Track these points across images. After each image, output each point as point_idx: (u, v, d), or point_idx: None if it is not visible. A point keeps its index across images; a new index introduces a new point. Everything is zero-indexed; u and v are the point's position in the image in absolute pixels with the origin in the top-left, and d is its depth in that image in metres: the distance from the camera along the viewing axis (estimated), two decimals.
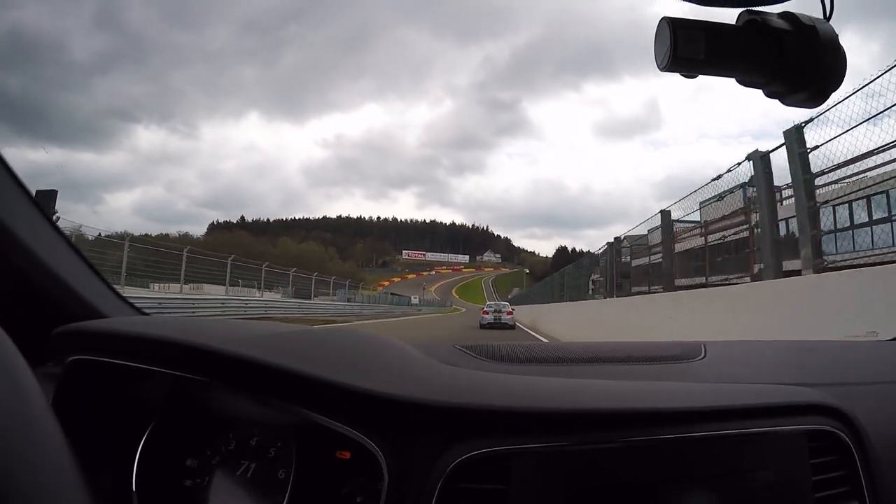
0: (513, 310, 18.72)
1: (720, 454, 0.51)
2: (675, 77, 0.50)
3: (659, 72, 0.50)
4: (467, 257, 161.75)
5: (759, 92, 0.54)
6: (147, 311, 0.93)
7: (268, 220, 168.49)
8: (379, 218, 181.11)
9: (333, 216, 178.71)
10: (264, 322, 0.80)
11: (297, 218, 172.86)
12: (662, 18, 0.47)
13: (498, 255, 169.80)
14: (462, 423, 0.50)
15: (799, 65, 0.49)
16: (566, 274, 14.54)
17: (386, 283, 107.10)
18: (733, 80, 0.52)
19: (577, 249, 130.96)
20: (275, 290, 22.66)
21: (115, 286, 0.86)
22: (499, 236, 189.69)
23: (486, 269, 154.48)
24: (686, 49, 0.47)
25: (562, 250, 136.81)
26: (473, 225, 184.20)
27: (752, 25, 0.50)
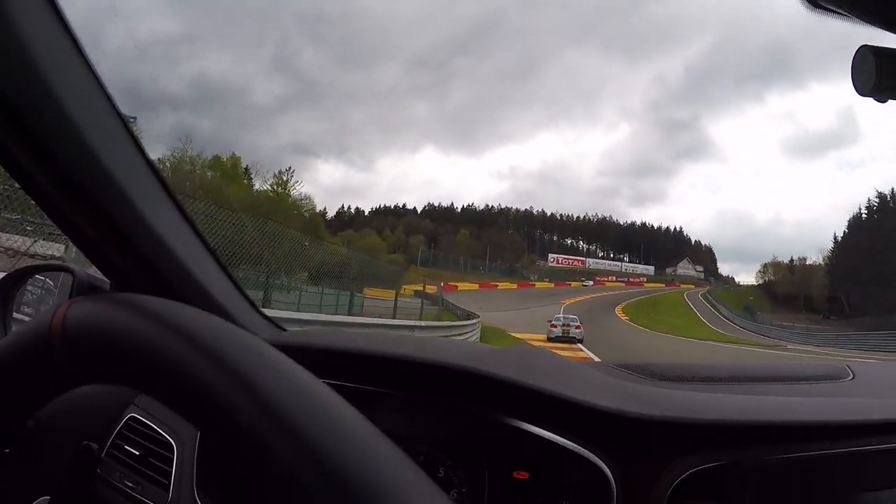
0: (581, 324, 17.79)
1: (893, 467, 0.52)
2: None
3: (848, 76, 0.48)
4: (652, 269, 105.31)
5: None
6: None
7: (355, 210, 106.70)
8: (518, 210, 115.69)
9: (446, 204, 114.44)
10: (423, 336, 0.74)
11: (395, 206, 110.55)
12: (863, 46, 0.47)
13: (700, 268, 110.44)
14: (683, 438, 0.52)
15: None
16: None
17: (463, 286, 52.31)
18: None
19: None
20: None
21: None
22: (698, 243, 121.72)
23: (684, 286, 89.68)
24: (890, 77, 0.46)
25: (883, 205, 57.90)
26: (660, 226, 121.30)
27: None
